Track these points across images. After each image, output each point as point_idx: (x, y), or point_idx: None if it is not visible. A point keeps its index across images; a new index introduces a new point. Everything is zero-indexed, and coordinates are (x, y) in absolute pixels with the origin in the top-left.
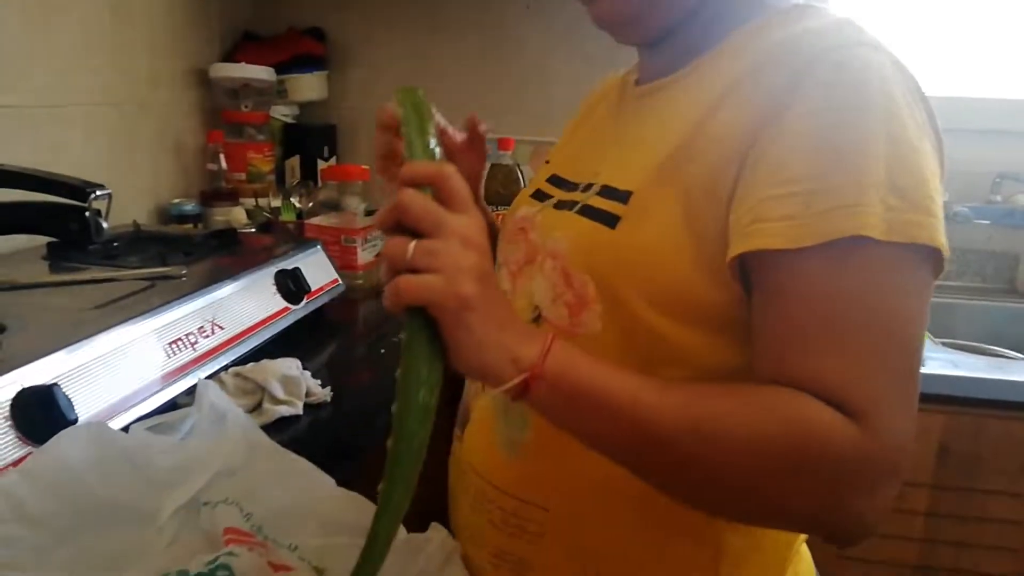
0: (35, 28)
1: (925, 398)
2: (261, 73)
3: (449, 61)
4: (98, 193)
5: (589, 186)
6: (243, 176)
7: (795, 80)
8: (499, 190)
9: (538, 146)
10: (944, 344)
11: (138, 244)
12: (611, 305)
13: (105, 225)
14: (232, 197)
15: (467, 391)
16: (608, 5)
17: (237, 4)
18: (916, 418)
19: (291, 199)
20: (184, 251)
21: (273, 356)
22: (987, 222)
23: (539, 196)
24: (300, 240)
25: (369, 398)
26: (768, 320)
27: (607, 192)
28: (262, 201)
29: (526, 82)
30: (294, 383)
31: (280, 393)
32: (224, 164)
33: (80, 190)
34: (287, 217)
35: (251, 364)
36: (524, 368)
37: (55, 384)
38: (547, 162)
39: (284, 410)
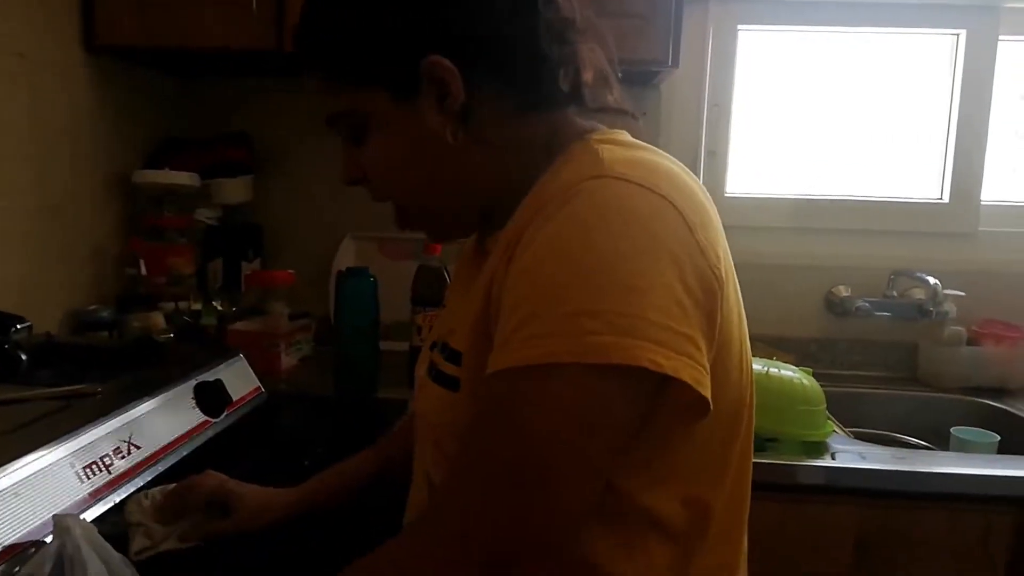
0: None
1: (837, 491)
2: (185, 179)
3: None
4: (18, 327)
5: (438, 344)
6: (163, 280)
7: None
8: (424, 292)
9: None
10: (853, 433)
11: (51, 357)
12: None
13: (24, 358)
14: (150, 302)
15: None
16: (434, 238)
17: (161, 110)
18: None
19: (213, 303)
20: (99, 364)
21: (193, 471)
22: (887, 314)
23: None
24: (221, 349)
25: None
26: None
27: (447, 353)
28: (182, 305)
29: None
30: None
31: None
32: (144, 269)
33: None
34: (208, 321)
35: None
36: None
37: None
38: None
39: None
